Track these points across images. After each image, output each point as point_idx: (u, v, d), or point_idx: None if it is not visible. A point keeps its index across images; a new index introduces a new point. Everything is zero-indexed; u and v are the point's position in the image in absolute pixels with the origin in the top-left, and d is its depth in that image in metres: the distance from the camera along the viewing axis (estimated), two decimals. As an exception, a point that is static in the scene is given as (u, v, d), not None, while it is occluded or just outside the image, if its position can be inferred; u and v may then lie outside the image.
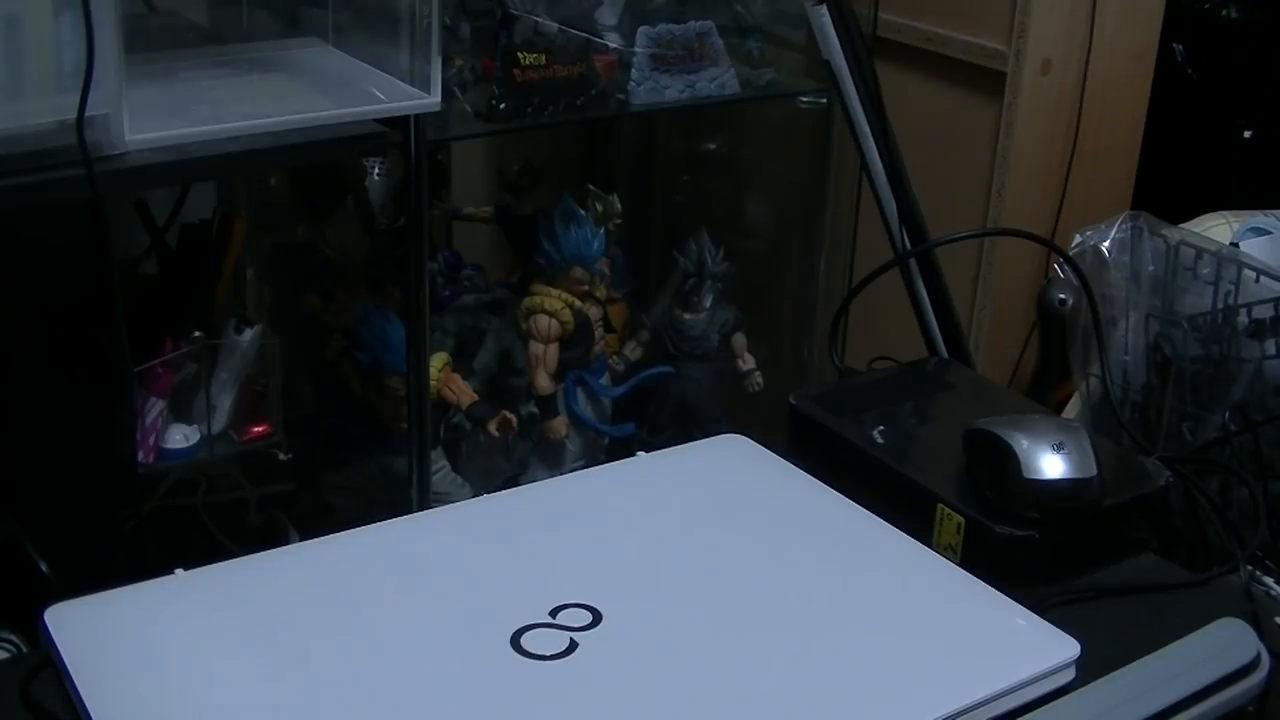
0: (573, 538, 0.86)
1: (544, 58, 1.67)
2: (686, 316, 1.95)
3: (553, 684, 0.72)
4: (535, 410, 1.86)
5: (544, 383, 1.83)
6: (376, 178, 1.85)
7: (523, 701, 0.71)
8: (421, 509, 1.21)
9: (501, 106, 1.65)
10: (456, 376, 1.75)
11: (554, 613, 0.77)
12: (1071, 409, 1.31)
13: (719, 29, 1.83)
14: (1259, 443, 1.09)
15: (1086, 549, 0.91)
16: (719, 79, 1.83)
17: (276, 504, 1.72)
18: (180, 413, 1.49)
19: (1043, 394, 1.80)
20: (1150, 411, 1.20)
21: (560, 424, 1.85)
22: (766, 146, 2.16)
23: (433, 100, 1.39)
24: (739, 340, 1.99)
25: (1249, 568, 0.94)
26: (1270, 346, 1.14)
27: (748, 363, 1.99)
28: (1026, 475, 0.88)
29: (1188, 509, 1.01)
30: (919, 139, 1.81)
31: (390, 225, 1.81)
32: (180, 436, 1.48)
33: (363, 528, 0.85)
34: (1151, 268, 1.20)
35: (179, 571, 0.80)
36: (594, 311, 1.86)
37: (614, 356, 1.97)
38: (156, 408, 1.46)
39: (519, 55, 1.66)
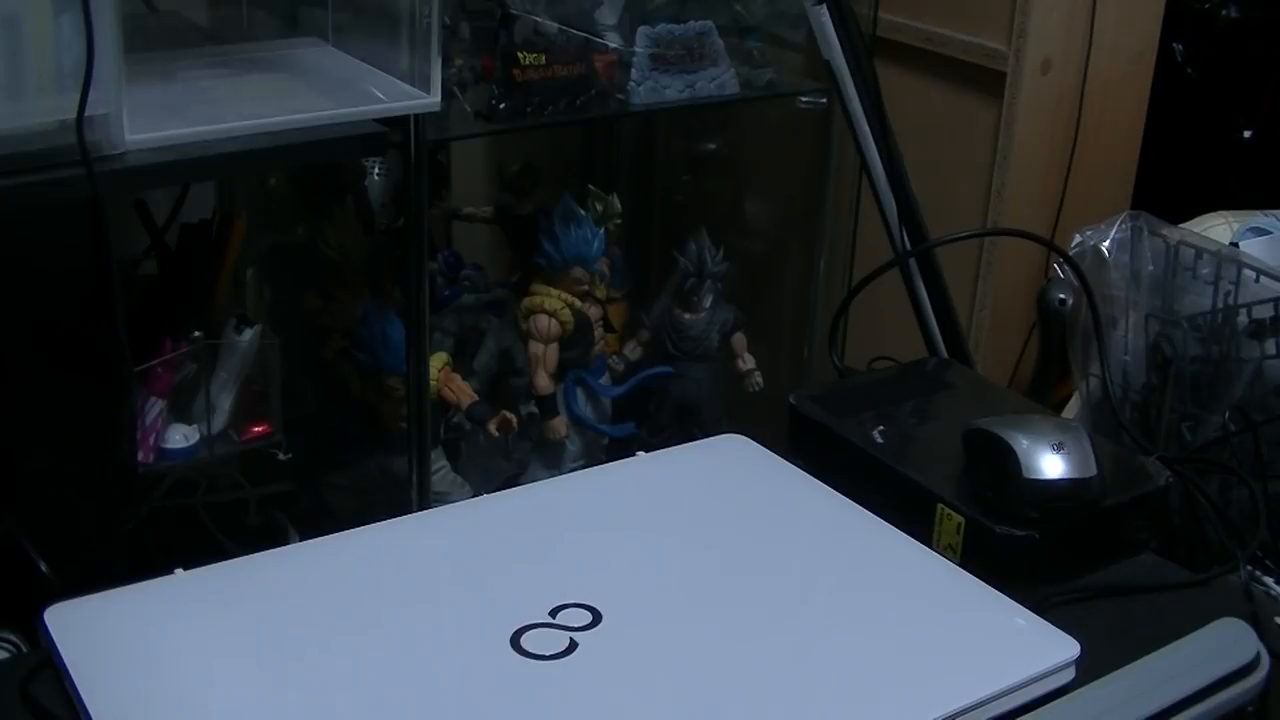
0: (573, 538, 0.86)
1: (544, 58, 1.67)
2: (686, 316, 1.95)
3: (553, 684, 0.72)
4: (535, 410, 1.86)
5: (544, 383, 1.83)
6: (376, 178, 1.84)
7: (523, 701, 0.71)
8: (421, 509, 1.21)
9: (501, 106, 1.65)
10: (456, 376, 1.75)
11: (554, 613, 0.77)
12: (1071, 409, 1.31)
13: (719, 29, 1.83)
14: (1259, 443, 1.09)
15: (1086, 549, 0.91)
16: (719, 79, 1.83)
17: (276, 504, 1.72)
18: (180, 413, 1.49)
19: (1043, 394, 1.80)
20: (1150, 411, 1.20)
21: (560, 424, 1.85)
22: (766, 146, 2.16)
23: (433, 100, 1.39)
24: (739, 340, 1.99)
25: (1249, 568, 0.94)
26: (1270, 346, 1.14)
27: (748, 363, 1.99)
28: (1026, 475, 0.88)
29: (1188, 509, 1.01)
30: (919, 139, 1.81)
31: (390, 225, 1.81)
32: (180, 436, 1.48)
33: (363, 528, 0.85)
34: (1151, 268, 1.20)
35: (179, 571, 0.80)
36: (594, 311, 1.86)
37: (614, 356, 1.97)
38: (156, 408, 1.45)
39: (519, 55, 1.66)
